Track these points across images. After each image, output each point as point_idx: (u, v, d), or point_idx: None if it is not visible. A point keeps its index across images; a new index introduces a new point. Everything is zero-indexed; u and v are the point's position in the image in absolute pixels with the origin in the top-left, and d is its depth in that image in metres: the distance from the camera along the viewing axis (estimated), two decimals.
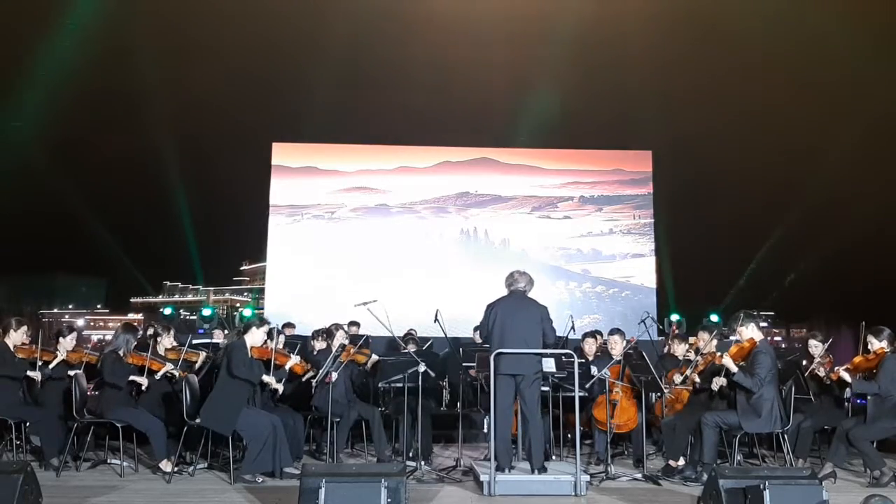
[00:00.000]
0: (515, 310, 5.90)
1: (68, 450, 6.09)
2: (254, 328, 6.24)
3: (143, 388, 6.32)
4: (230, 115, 20.72)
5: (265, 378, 6.11)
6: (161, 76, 17.17)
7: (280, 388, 6.31)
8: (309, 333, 7.97)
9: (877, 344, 6.24)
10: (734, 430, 5.92)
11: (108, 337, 9.79)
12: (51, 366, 6.44)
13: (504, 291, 6.13)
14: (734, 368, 5.82)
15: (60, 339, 6.67)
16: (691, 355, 6.95)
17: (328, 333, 7.13)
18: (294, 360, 6.44)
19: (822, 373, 6.60)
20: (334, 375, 6.42)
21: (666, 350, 7.78)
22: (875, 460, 5.88)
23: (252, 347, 6.16)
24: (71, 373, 6.43)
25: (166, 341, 6.88)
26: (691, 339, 7.79)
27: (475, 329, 10.28)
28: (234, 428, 5.80)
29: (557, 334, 6.24)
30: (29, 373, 6.25)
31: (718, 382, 6.09)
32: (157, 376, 6.43)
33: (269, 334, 6.55)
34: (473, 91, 16.89)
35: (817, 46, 15.35)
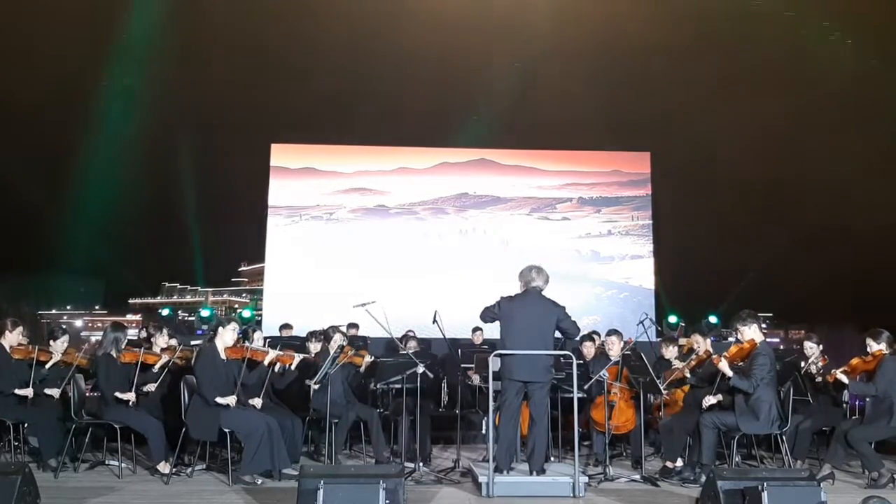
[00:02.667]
0: (531, 314, 5.70)
1: (66, 451, 6.07)
2: (221, 328, 6.09)
3: (145, 390, 6.29)
4: (229, 115, 20.76)
5: (221, 401, 5.75)
6: (161, 78, 17.20)
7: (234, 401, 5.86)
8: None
9: (875, 346, 6.23)
10: (732, 432, 5.92)
11: None
12: (47, 366, 6.40)
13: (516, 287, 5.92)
14: (729, 373, 5.83)
15: (52, 341, 6.57)
16: (678, 363, 6.92)
17: (324, 336, 7.11)
18: (273, 354, 6.24)
19: (813, 370, 6.60)
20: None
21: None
22: (873, 462, 5.88)
23: (225, 348, 6.06)
24: (56, 392, 6.28)
25: (160, 341, 6.81)
26: (682, 341, 7.77)
27: (474, 330, 10.29)
28: (216, 432, 5.73)
29: (557, 336, 6.18)
30: (17, 391, 6.11)
31: (708, 402, 6.06)
32: (156, 368, 6.38)
33: (245, 334, 6.44)
34: (472, 91, 16.93)
35: (818, 51, 15.39)
